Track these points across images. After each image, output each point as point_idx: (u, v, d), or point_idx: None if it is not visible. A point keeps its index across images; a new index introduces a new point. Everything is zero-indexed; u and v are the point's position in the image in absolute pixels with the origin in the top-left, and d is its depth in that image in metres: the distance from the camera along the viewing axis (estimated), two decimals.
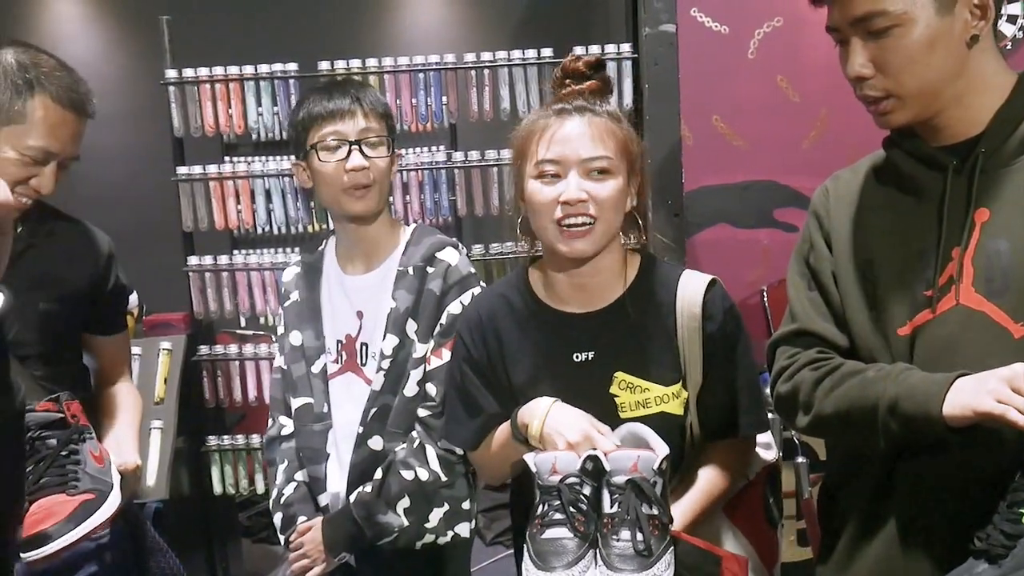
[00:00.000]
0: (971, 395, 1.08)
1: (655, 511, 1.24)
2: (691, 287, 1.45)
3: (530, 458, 1.31)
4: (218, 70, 2.84)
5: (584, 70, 1.48)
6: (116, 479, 1.51)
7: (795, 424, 1.33)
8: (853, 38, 1.18)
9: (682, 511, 1.38)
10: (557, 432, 1.33)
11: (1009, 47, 2.70)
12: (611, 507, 1.25)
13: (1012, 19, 2.70)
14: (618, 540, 1.22)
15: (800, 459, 2.32)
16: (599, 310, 1.46)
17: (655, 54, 2.72)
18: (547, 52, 2.85)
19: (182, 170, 2.89)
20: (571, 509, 1.24)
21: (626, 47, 2.81)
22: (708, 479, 1.44)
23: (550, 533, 1.24)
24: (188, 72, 2.85)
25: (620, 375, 1.42)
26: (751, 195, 2.81)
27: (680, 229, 2.71)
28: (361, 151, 1.70)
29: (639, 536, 1.21)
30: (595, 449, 1.29)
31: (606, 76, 1.51)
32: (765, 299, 2.69)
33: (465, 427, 1.54)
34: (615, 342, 1.44)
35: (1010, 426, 1.04)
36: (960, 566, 1.09)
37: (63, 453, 1.45)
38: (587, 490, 1.27)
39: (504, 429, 1.47)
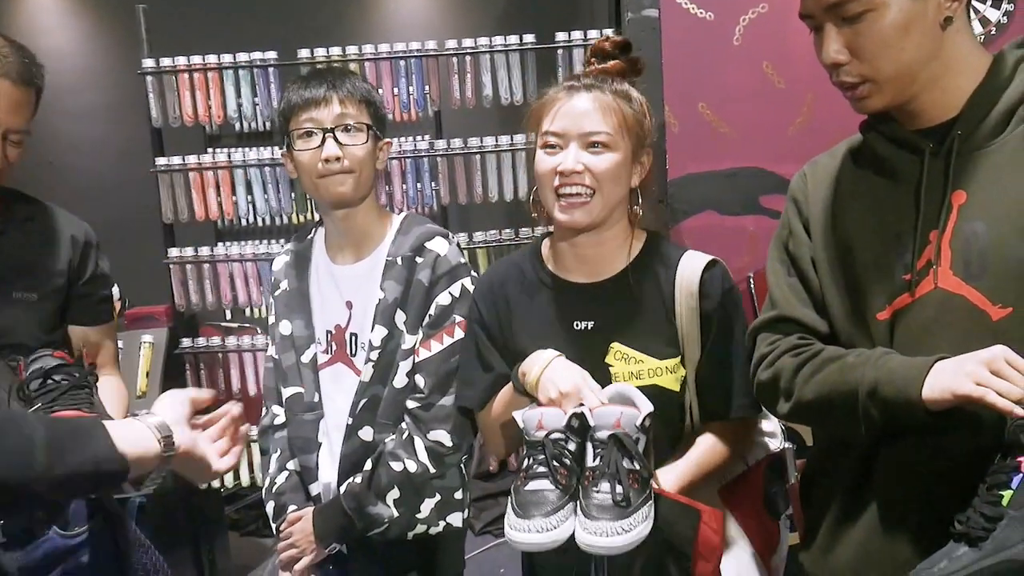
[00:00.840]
0: (950, 378, 1.09)
1: (635, 466, 1.28)
2: (691, 266, 1.49)
3: (519, 415, 1.35)
4: (196, 59, 2.81)
5: (609, 50, 1.54)
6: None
7: (776, 411, 1.34)
8: (827, 24, 1.17)
9: (670, 476, 1.42)
10: (551, 381, 1.38)
11: (993, 32, 2.71)
12: (593, 461, 1.29)
13: (996, 4, 2.70)
14: (597, 492, 1.26)
15: (787, 444, 2.32)
16: (601, 281, 1.51)
17: (638, 39, 2.70)
18: (529, 38, 2.83)
19: (161, 161, 2.86)
20: (554, 463, 1.29)
21: (609, 32, 2.80)
22: (700, 451, 1.48)
23: (532, 485, 1.29)
24: (166, 61, 2.81)
25: (616, 346, 1.47)
26: (737, 182, 2.80)
27: (663, 216, 2.71)
28: (336, 138, 1.69)
29: (618, 488, 1.26)
30: (582, 405, 1.32)
31: (634, 58, 1.56)
32: (752, 286, 2.69)
33: (474, 387, 1.60)
34: (614, 314, 1.49)
35: (989, 408, 1.05)
36: (940, 550, 1.10)
37: (77, 386, 1.46)
38: (571, 446, 1.31)
39: (508, 388, 1.51)
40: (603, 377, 1.44)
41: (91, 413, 1.42)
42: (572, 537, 1.26)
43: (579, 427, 1.31)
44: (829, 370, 1.23)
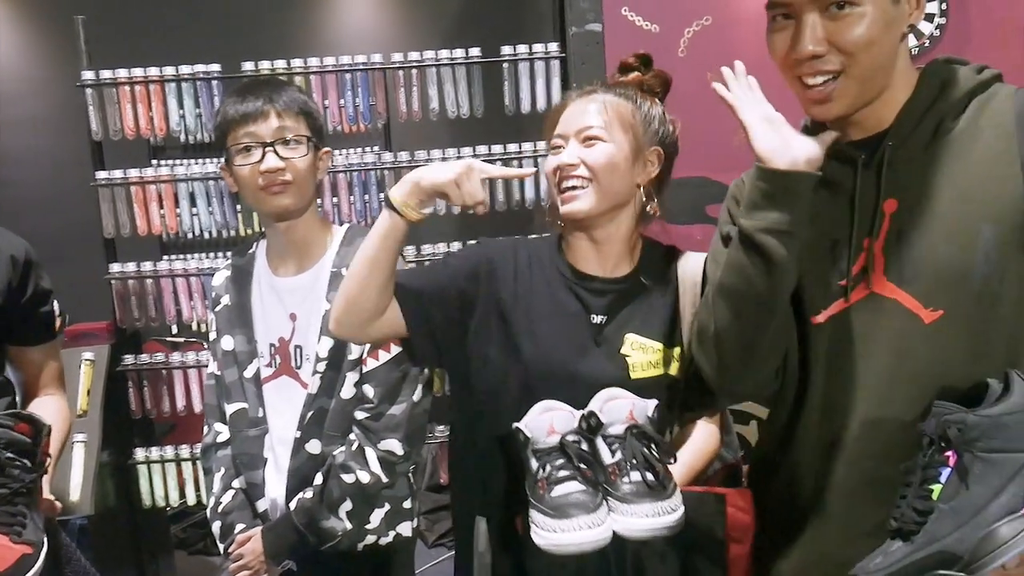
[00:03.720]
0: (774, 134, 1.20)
1: (658, 454, 1.29)
2: (692, 260, 1.56)
3: (523, 425, 1.33)
4: (137, 71, 2.77)
5: (631, 63, 1.62)
6: (45, 537, 1.45)
7: (714, 355, 1.30)
8: (809, 14, 1.17)
9: (677, 467, 1.41)
10: (430, 170, 1.44)
11: (927, 44, 2.79)
12: (612, 457, 1.29)
13: (929, 17, 2.79)
14: (628, 482, 1.26)
15: (742, 453, 2.35)
16: (616, 277, 1.54)
17: (582, 53, 2.76)
18: (475, 52, 2.84)
19: (101, 175, 2.81)
20: (580, 464, 1.28)
21: (554, 46, 2.84)
22: (697, 442, 1.53)
23: (560, 489, 1.26)
24: (106, 74, 2.77)
25: (631, 336, 1.50)
26: (684, 192, 2.83)
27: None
28: (276, 152, 1.68)
29: (648, 476, 1.26)
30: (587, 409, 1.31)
31: (658, 71, 1.63)
32: None
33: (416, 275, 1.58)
34: (628, 307, 1.53)
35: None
36: (876, 549, 1.12)
37: (22, 491, 1.40)
38: (584, 446, 1.30)
39: (377, 226, 1.48)
40: (621, 367, 1.47)
41: (16, 544, 1.36)
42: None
43: (589, 427, 1.31)
44: (719, 276, 1.27)
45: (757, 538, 1.40)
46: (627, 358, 1.48)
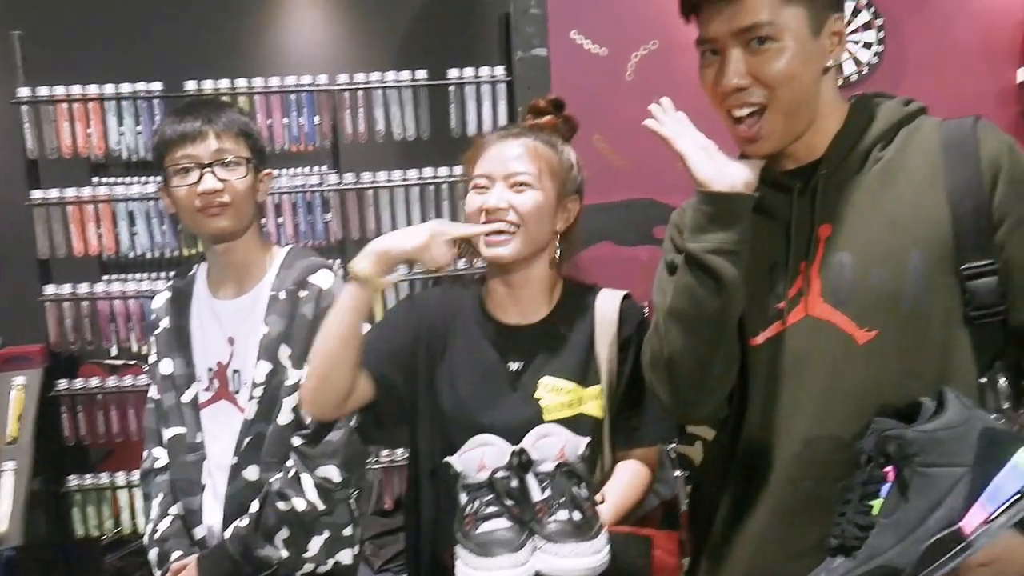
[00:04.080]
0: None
1: (586, 492, 1.30)
2: (609, 300, 1.59)
3: (455, 460, 1.34)
4: (76, 89, 2.72)
5: (543, 107, 1.65)
6: None
7: (669, 380, 1.28)
8: (732, 50, 1.21)
9: (605, 507, 1.42)
10: (396, 239, 1.46)
11: (865, 72, 2.86)
12: (541, 494, 1.29)
13: (867, 45, 2.86)
14: (554, 521, 1.26)
15: (677, 472, 2.36)
16: (531, 324, 1.57)
17: (528, 78, 2.78)
18: (421, 74, 2.85)
19: (36, 194, 2.74)
20: (507, 500, 1.28)
21: (500, 70, 2.86)
22: (623, 482, 1.50)
23: (487, 526, 1.27)
24: (43, 91, 2.71)
25: (545, 379, 1.52)
26: (632, 213, 2.87)
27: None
28: (214, 173, 1.67)
29: (575, 515, 1.26)
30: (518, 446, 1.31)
31: (567, 116, 1.67)
32: (647, 315, 2.74)
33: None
34: (544, 352, 1.55)
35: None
36: (817, 567, 1.13)
37: None
38: (514, 483, 1.30)
39: (341, 300, 1.48)
40: (534, 411, 1.49)
41: None
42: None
43: (519, 464, 1.31)
44: (668, 301, 1.27)
45: (696, 560, 1.40)
46: (539, 401, 1.50)
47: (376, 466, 2.93)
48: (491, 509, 1.28)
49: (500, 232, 1.51)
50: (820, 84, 1.24)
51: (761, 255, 1.29)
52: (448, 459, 1.35)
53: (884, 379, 1.21)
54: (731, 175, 1.23)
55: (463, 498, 1.32)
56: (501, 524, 1.27)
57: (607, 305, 1.58)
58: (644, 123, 1.28)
